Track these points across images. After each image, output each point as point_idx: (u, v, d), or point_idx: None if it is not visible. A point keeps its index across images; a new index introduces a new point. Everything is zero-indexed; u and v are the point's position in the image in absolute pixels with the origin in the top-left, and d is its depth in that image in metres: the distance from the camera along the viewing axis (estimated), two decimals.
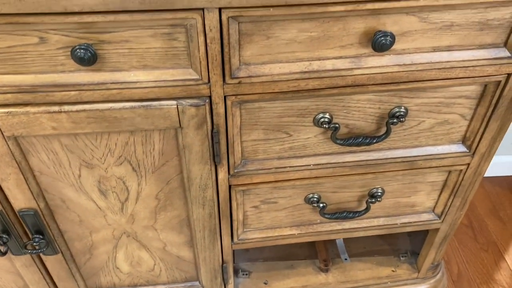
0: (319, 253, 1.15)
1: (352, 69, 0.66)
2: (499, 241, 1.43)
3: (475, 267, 1.36)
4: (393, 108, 0.74)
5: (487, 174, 1.63)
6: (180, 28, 0.59)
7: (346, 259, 1.16)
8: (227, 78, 0.64)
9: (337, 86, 0.68)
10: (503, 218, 1.50)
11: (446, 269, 1.36)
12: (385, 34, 0.61)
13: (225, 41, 0.60)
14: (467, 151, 0.82)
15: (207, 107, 0.67)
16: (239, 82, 0.65)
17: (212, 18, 0.57)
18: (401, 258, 1.15)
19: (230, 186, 0.81)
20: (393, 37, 0.62)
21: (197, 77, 0.63)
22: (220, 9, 0.57)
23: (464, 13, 0.63)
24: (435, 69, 0.68)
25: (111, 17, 0.56)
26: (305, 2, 0.57)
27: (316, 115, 0.73)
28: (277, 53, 0.64)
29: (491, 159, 0.86)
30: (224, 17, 0.57)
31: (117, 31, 0.58)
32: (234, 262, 1.14)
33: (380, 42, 0.62)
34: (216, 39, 0.59)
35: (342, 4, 0.58)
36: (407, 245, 1.18)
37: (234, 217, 0.87)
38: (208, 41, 0.59)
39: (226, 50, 0.61)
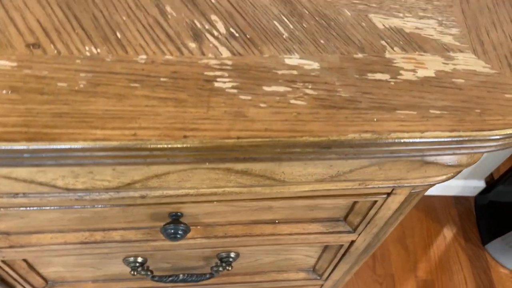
0: None
1: (148, 240, 0.53)
2: (397, 274, 1.40)
3: None
4: (220, 253, 0.63)
5: None
6: None
7: None
8: None
9: (132, 251, 0.56)
10: (409, 247, 1.45)
11: None
12: (176, 227, 0.48)
13: None
14: (318, 277, 0.73)
15: None
16: None
17: None
18: None
19: None
20: (186, 230, 0.48)
21: None
22: None
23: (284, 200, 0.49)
24: (258, 239, 0.55)
25: None
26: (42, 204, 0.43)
27: (125, 258, 0.61)
28: (44, 225, 0.50)
29: (353, 273, 0.78)
30: None
31: None
32: None
33: (170, 235, 0.48)
34: None
35: (99, 202, 0.44)
36: None
37: None
38: None
39: None
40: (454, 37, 0.39)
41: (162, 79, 0.33)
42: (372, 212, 0.51)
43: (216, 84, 0.34)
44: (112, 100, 0.32)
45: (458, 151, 0.35)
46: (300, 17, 0.38)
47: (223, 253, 0.62)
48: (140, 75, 0.33)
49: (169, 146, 0.31)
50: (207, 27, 0.36)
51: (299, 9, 0.39)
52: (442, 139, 0.33)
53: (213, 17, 0.37)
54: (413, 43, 0.38)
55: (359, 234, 0.57)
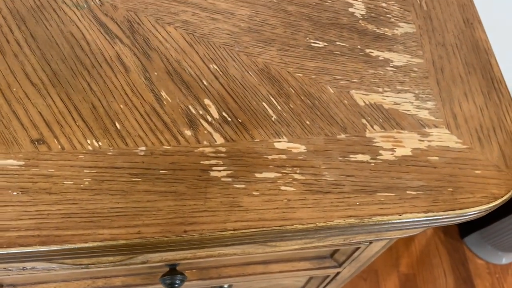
0: None
1: (147, 284, 0.56)
2: (380, 269, 1.47)
3: None
4: (214, 285, 0.66)
5: None
6: None
7: None
8: None
9: None
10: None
11: None
12: (173, 278, 0.51)
13: None
14: None
15: None
16: None
17: None
18: None
19: None
20: (183, 279, 0.51)
21: None
22: None
23: None
24: (250, 278, 0.59)
25: None
26: None
27: None
28: (48, 278, 0.53)
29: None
30: None
31: None
32: None
33: (168, 285, 0.51)
34: None
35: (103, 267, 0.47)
36: None
37: None
38: None
39: None
40: (429, 112, 0.42)
41: (161, 171, 0.36)
42: (356, 253, 0.55)
43: (212, 174, 0.36)
44: (116, 197, 0.35)
45: (432, 225, 0.39)
46: (287, 97, 0.41)
47: (217, 286, 0.66)
48: (140, 168, 0.36)
49: (171, 240, 0.34)
50: (201, 112, 0.39)
51: (285, 89, 0.41)
52: (418, 219, 0.37)
53: (206, 101, 0.40)
54: (391, 120, 0.41)
55: (344, 268, 0.61)
